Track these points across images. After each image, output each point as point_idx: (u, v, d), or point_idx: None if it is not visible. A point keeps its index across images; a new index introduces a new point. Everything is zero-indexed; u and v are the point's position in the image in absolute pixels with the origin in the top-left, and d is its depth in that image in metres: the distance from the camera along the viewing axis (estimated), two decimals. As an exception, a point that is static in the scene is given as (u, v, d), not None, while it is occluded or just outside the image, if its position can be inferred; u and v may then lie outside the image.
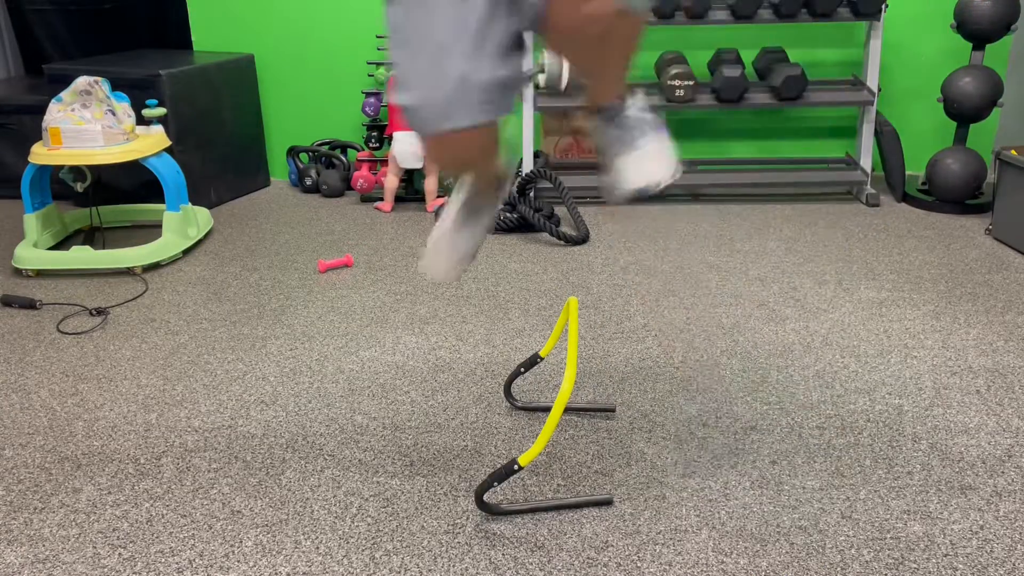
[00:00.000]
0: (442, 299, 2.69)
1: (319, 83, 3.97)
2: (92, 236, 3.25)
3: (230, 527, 1.68)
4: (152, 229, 3.23)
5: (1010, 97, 3.75)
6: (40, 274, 2.93)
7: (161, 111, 3.16)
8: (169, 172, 3.02)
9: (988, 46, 3.65)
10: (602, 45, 1.37)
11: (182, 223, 3.08)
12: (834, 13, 3.47)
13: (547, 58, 3.49)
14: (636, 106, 1.58)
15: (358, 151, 3.85)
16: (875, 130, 3.63)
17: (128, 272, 2.93)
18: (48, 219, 3.09)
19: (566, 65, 3.48)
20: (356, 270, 2.95)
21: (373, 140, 3.83)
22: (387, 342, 2.42)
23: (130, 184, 3.49)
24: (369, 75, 3.90)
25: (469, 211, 1.71)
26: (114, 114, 2.91)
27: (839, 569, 1.54)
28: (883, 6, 3.45)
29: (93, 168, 3.06)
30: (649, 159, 1.55)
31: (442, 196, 3.59)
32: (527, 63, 1.34)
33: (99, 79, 2.91)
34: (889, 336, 2.42)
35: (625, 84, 1.54)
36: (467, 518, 1.69)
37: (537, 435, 1.95)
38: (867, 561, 1.56)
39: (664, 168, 1.55)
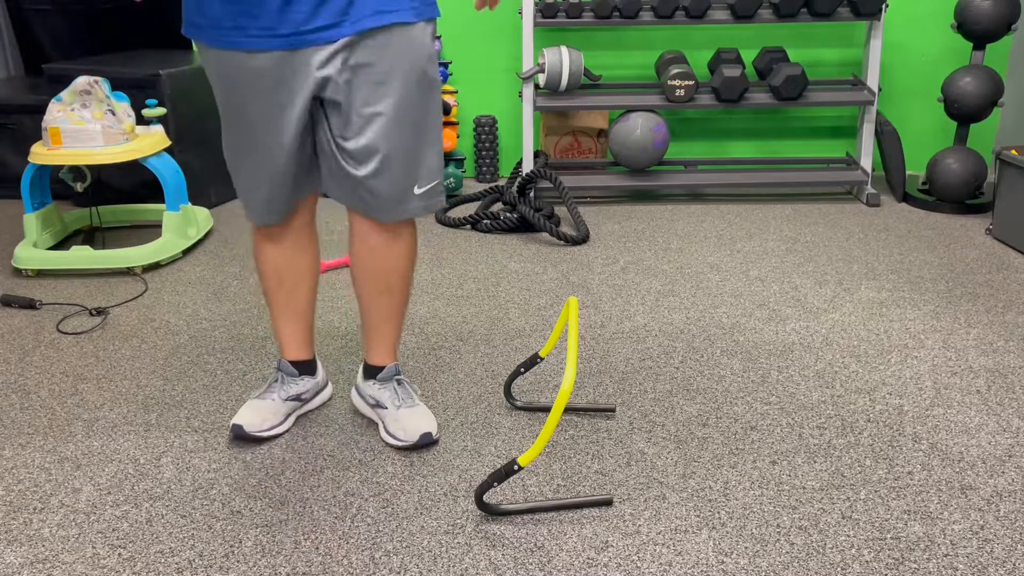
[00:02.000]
0: (442, 299, 2.70)
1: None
2: (92, 236, 3.25)
3: (230, 527, 1.68)
4: (152, 229, 3.23)
5: (1010, 97, 3.75)
6: (40, 274, 2.93)
7: (161, 111, 3.16)
8: (169, 172, 3.02)
9: (988, 46, 3.65)
10: (388, 278, 1.86)
11: (182, 223, 3.08)
12: (834, 13, 3.47)
13: (546, 57, 3.49)
14: (404, 374, 2.02)
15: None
16: (875, 130, 3.63)
17: (128, 272, 2.93)
18: (48, 219, 3.09)
19: (565, 65, 3.48)
20: (356, 270, 2.95)
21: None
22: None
23: (130, 184, 3.49)
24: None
25: (278, 376, 2.01)
26: (114, 114, 2.91)
27: (839, 569, 1.54)
28: (883, 6, 3.45)
29: (93, 168, 3.06)
30: (424, 411, 1.94)
31: None
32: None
33: (99, 79, 2.91)
34: (889, 336, 2.42)
35: (396, 348, 1.98)
36: (467, 518, 1.69)
37: (537, 435, 1.95)
38: (867, 561, 1.56)
39: (435, 423, 1.92)
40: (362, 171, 1.71)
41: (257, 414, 1.94)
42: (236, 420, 1.92)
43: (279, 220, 1.86)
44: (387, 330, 1.94)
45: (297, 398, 2.00)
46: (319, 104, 1.70)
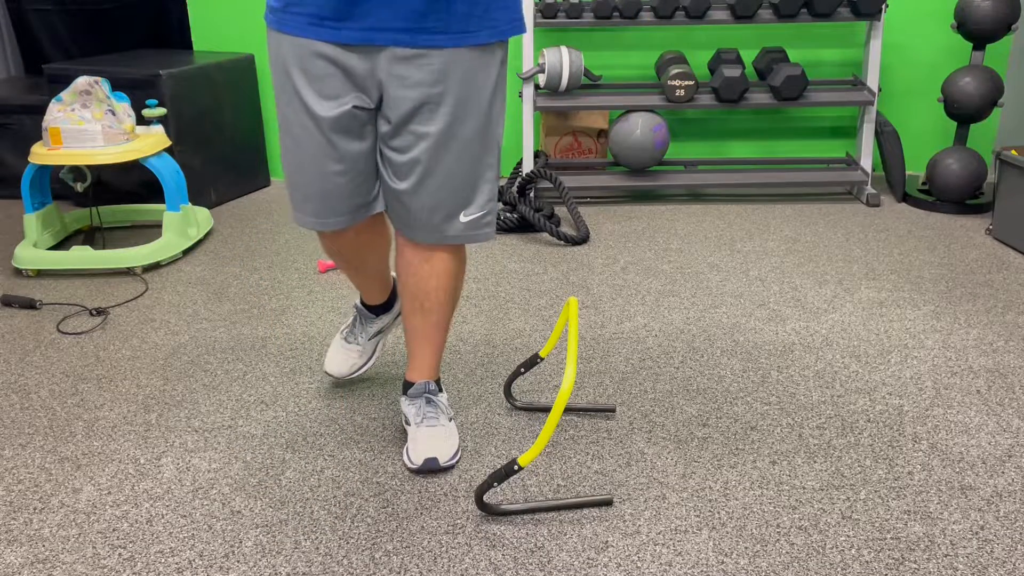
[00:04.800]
0: (442, 299, 2.69)
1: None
2: (92, 236, 3.25)
3: (230, 527, 1.68)
4: (152, 229, 3.24)
5: (1010, 97, 3.75)
6: (40, 274, 2.93)
7: (161, 111, 3.16)
8: (169, 172, 3.02)
9: (988, 46, 3.65)
10: (435, 295, 1.82)
11: (182, 223, 3.08)
12: (834, 13, 3.47)
13: (547, 57, 3.49)
14: (443, 396, 1.94)
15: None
16: (875, 130, 3.63)
17: (128, 272, 2.93)
18: (48, 219, 3.09)
19: (565, 65, 3.48)
20: (356, 270, 2.95)
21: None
22: (387, 342, 2.42)
23: (130, 184, 3.49)
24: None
25: (356, 322, 2.12)
26: (114, 114, 2.91)
27: (839, 569, 1.54)
28: (883, 6, 3.45)
29: (93, 168, 3.06)
30: (443, 433, 1.88)
31: None
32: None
33: (99, 79, 2.91)
34: (889, 336, 2.42)
35: (438, 367, 1.94)
36: (467, 518, 1.69)
37: (537, 435, 1.95)
38: (867, 561, 1.56)
39: (453, 447, 1.87)
40: (400, 185, 1.69)
41: (344, 361, 2.12)
42: (326, 367, 2.13)
43: (332, 229, 1.79)
44: (423, 350, 1.90)
45: (379, 331, 2.13)
46: (376, 109, 1.68)
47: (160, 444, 1.95)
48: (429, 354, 1.90)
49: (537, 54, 3.72)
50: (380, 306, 2.10)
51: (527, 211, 3.23)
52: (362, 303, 2.10)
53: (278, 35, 1.64)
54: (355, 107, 1.64)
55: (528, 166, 3.65)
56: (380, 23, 1.57)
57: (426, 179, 1.67)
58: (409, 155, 1.66)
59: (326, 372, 2.14)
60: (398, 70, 1.61)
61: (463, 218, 1.72)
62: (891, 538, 1.62)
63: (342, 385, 2.20)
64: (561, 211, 3.51)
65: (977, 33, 3.36)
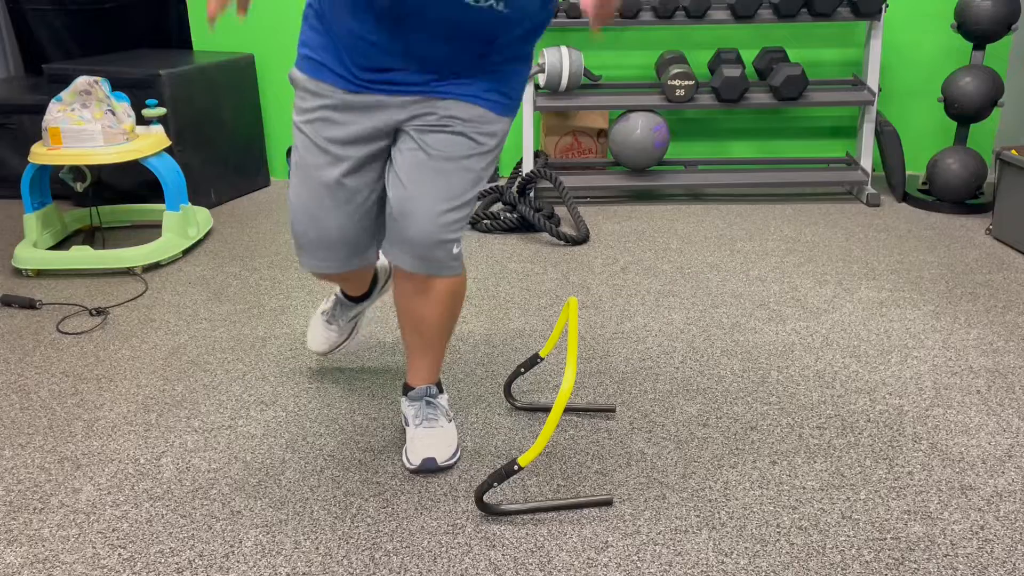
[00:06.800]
0: (442, 299, 2.69)
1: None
2: (92, 236, 3.25)
3: (230, 527, 1.68)
4: (152, 229, 3.24)
5: (1010, 97, 3.75)
6: (40, 274, 2.93)
7: (161, 111, 3.16)
8: (169, 172, 3.02)
9: (988, 46, 3.65)
10: (431, 313, 1.81)
11: (182, 223, 3.08)
12: (834, 13, 3.47)
13: (546, 57, 3.49)
14: (443, 398, 1.95)
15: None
16: (875, 130, 3.63)
17: (128, 272, 2.93)
18: (48, 219, 3.09)
19: (565, 65, 3.48)
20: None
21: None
22: (387, 342, 2.42)
23: (130, 184, 3.49)
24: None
25: (336, 306, 2.17)
26: (114, 114, 2.91)
27: (839, 569, 1.54)
28: (883, 6, 3.45)
29: (93, 168, 3.06)
30: (442, 434, 1.87)
31: None
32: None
33: (99, 79, 2.91)
34: (889, 336, 2.42)
35: (439, 371, 1.93)
36: (467, 518, 1.69)
37: (537, 435, 1.95)
38: (867, 561, 1.56)
39: (451, 447, 1.87)
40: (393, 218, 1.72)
41: (325, 340, 2.20)
42: (308, 344, 2.23)
43: (328, 272, 1.86)
44: (422, 361, 1.90)
45: (359, 312, 2.20)
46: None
47: (160, 444, 1.95)
48: (429, 364, 1.91)
49: (537, 54, 3.72)
50: (361, 296, 2.16)
51: (527, 211, 3.23)
52: (343, 292, 2.16)
53: (305, 79, 1.70)
54: (369, 154, 1.71)
55: (528, 166, 3.65)
56: (407, 77, 1.63)
57: (412, 208, 1.69)
58: (399, 191, 1.70)
59: (308, 348, 2.24)
60: (414, 110, 1.67)
61: (455, 249, 1.74)
62: (891, 538, 1.62)
63: (342, 385, 2.20)
64: (561, 211, 3.51)
65: (977, 33, 3.36)
